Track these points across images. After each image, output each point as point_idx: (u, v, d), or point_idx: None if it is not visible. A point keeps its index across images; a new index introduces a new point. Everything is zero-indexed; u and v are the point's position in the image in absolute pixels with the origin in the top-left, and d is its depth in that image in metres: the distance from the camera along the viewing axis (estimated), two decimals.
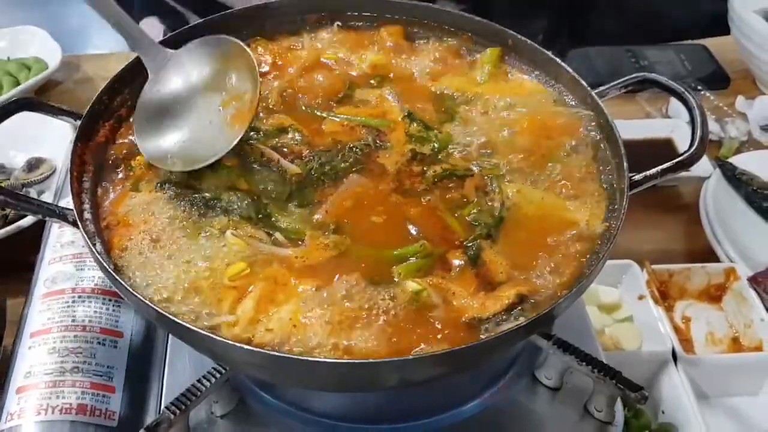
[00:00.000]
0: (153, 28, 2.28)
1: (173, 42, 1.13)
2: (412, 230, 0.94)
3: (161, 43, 1.13)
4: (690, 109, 1.00)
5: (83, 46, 4.24)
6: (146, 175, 0.98)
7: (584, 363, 0.94)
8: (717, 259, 1.43)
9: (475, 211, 0.96)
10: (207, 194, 0.95)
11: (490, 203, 0.97)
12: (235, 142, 0.97)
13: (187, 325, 0.77)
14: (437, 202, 0.97)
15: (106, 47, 4.05)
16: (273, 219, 0.93)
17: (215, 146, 0.97)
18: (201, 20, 1.18)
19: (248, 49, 1.02)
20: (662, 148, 1.64)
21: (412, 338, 0.83)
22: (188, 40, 1.14)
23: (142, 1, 2.33)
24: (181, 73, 1.04)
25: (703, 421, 1.17)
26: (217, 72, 1.03)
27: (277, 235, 0.91)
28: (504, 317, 0.85)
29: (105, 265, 0.82)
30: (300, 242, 0.91)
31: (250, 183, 0.97)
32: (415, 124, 1.06)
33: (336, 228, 0.93)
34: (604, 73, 1.89)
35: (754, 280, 1.34)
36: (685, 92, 1.02)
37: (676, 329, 1.30)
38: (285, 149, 1.03)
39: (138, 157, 0.99)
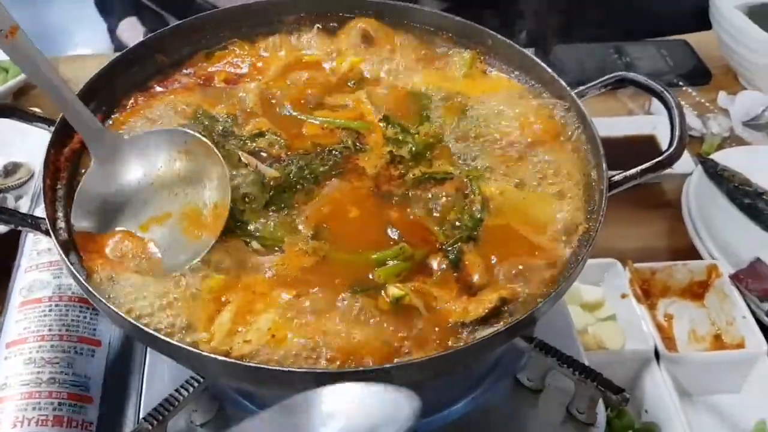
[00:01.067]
0: (133, 29, 2.27)
1: (154, 43, 1.13)
2: (393, 234, 0.93)
3: (141, 44, 1.12)
4: (669, 108, 1.00)
5: (65, 45, 4.20)
6: None
7: (565, 365, 0.94)
8: (700, 256, 1.43)
9: (455, 214, 0.96)
10: None
11: (469, 205, 0.97)
12: (203, 255, 0.87)
13: (163, 338, 0.76)
14: (417, 208, 0.97)
15: (88, 46, 4.04)
16: (250, 227, 0.92)
17: (177, 256, 0.87)
18: (180, 22, 1.17)
19: (216, 151, 0.92)
20: (645, 146, 1.64)
21: (394, 344, 0.82)
22: (168, 41, 1.14)
23: (123, 2, 2.32)
24: (138, 167, 0.94)
25: (686, 420, 1.17)
26: (182, 172, 0.93)
27: (254, 243, 0.90)
28: (487, 321, 0.84)
29: (78, 276, 0.80)
30: (278, 249, 0.90)
31: None
32: (391, 127, 1.05)
33: (315, 234, 0.92)
34: (586, 69, 1.90)
35: (736, 278, 1.34)
36: (664, 91, 1.02)
37: (659, 327, 1.30)
38: (263, 153, 1.02)
39: None
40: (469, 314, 0.85)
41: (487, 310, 0.85)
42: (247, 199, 0.94)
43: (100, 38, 2.37)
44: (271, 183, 0.97)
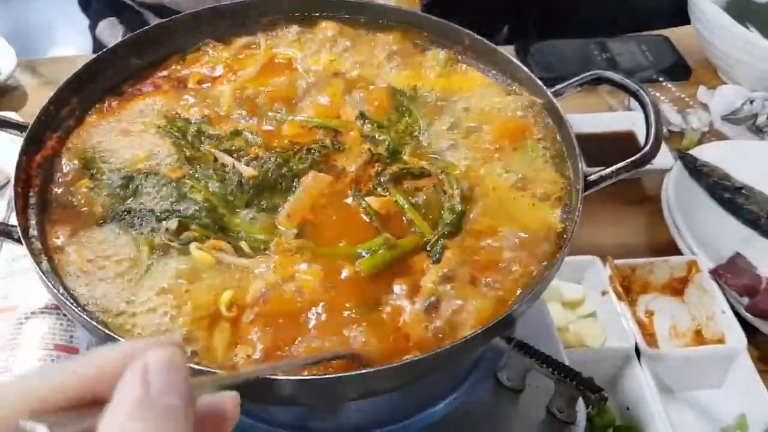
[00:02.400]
0: (113, 29, 2.25)
1: (128, 46, 1.12)
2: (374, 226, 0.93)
3: (115, 47, 1.11)
4: (644, 107, 1.00)
5: (46, 45, 4.17)
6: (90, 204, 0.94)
7: (544, 365, 0.95)
8: (680, 252, 1.44)
9: (435, 211, 0.95)
10: (157, 210, 0.91)
11: (449, 199, 0.96)
12: None
13: None
14: (396, 198, 0.96)
15: (69, 45, 4.00)
16: (232, 229, 0.91)
17: None
18: (153, 24, 1.17)
19: None
20: (624, 142, 1.64)
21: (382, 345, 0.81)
22: (143, 43, 1.13)
23: (102, 0, 2.29)
24: None
25: (667, 416, 1.17)
26: None
27: (242, 244, 0.89)
28: None
29: (49, 284, 0.79)
30: (264, 250, 0.89)
31: (204, 192, 0.94)
32: (367, 124, 1.05)
33: (298, 232, 0.91)
34: (567, 66, 1.90)
35: (715, 273, 1.35)
36: (639, 90, 1.02)
37: (640, 324, 1.30)
38: (242, 152, 1.01)
39: (81, 182, 0.95)
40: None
41: None
42: (229, 201, 0.94)
43: (83, 37, 2.35)
44: (250, 183, 0.96)
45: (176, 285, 0.84)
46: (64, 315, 1.05)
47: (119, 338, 0.76)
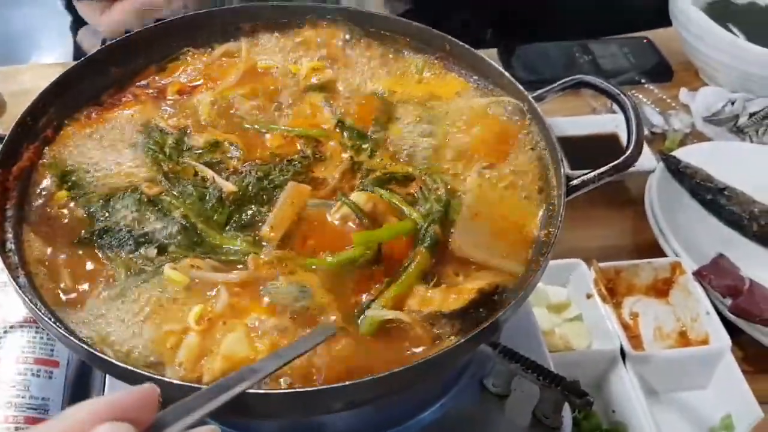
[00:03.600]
0: (93, 34, 2.23)
1: (105, 55, 1.11)
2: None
3: (97, 54, 1.10)
4: (625, 111, 1.00)
5: (30, 51, 4.14)
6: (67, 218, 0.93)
7: (529, 371, 0.95)
8: (664, 253, 1.44)
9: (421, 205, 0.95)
10: (135, 232, 0.90)
11: (434, 192, 0.96)
12: None
13: (123, 365, 0.74)
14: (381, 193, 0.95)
15: (52, 51, 3.97)
16: (211, 245, 0.90)
17: None
18: (139, 29, 1.15)
19: None
20: (608, 144, 1.64)
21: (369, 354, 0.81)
22: (121, 52, 1.12)
23: None
24: None
25: (653, 418, 1.18)
26: None
27: (213, 262, 0.87)
28: (466, 313, 0.84)
29: (27, 300, 0.78)
30: (241, 265, 0.88)
31: (182, 207, 0.93)
32: (347, 133, 1.04)
33: (281, 243, 0.90)
34: (550, 68, 1.91)
35: (699, 274, 1.35)
36: (620, 94, 1.02)
37: (625, 326, 1.31)
38: (222, 164, 1.00)
39: (58, 194, 0.94)
40: (449, 305, 0.84)
41: (467, 302, 0.84)
42: (209, 217, 0.93)
43: (67, 43, 2.33)
44: (230, 197, 0.95)
45: (150, 302, 0.83)
46: (44, 328, 1.04)
47: (98, 354, 0.75)
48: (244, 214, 0.93)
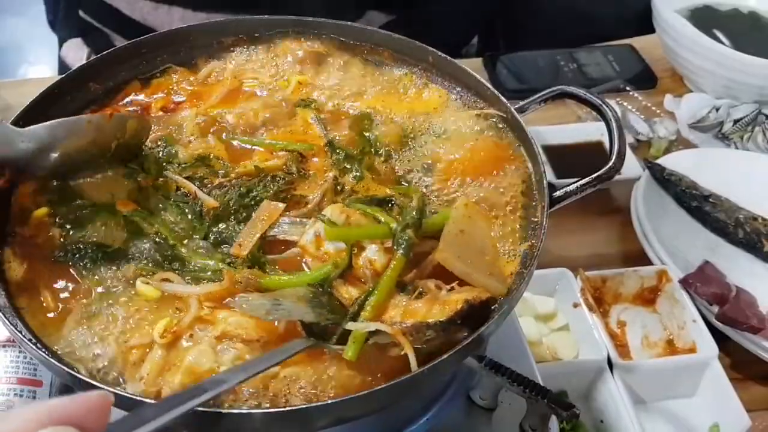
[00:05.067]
0: (78, 50, 2.23)
1: (86, 72, 1.10)
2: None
3: (79, 70, 1.09)
4: (607, 122, 1.01)
5: (16, 63, 4.12)
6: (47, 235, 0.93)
7: (516, 383, 0.94)
8: (650, 261, 1.44)
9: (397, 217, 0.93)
10: (108, 246, 0.90)
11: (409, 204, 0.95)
12: None
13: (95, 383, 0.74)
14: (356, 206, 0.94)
15: (40, 64, 3.96)
16: (182, 260, 0.90)
17: None
18: (125, 43, 1.15)
19: None
20: (593, 153, 1.65)
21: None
22: (102, 69, 1.11)
23: (66, 21, 2.27)
24: None
25: (641, 427, 1.17)
26: None
27: (180, 279, 0.87)
28: (451, 324, 0.82)
29: (7, 321, 0.78)
30: (213, 282, 0.87)
31: (157, 226, 0.93)
32: (335, 154, 1.04)
33: (252, 261, 0.89)
34: (535, 77, 1.92)
35: (685, 282, 1.35)
36: (602, 105, 1.02)
37: (612, 335, 1.31)
38: (206, 179, 1.00)
39: (36, 212, 0.93)
40: (434, 316, 0.82)
41: (452, 313, 0.82)
42: (186, 233, 0.92)
43: (53, 55, 2.32)
44: (210, 213, 0.94)
45: (121, 316, 0.83)
46: None
47: (78, 375, 0.74)
48: (221, 230, 0.93)
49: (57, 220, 0.93)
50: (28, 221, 0.93)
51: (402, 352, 0.80)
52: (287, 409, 0.76)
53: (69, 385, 0.99)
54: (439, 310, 0.83)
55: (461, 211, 0.92)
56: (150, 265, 0.88)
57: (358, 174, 1.01)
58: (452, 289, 0.85)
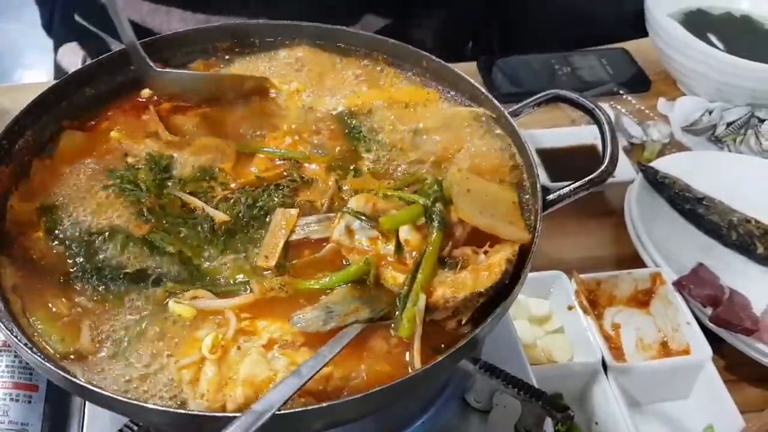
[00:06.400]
0: (74, 54, 2.23)
1: (81, 77, 1.10)
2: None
3: (74, 75, 1.09)
4: (599, 125, 1.02)
5: (12, 68, 4.12)
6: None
7: (510, 385, 0.95)
8: (644, 264, 1.45)
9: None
10: (128, 269, 0.89)
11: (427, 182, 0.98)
12: None
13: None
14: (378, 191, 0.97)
15: (36, 68, 3.96)
16: (209, 276, 0.90)
17: None
18: (109, 53, 1.15)
19: None
20: (587, 156, 1.66)
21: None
22: (108, 68, 1.12)
23: (62, 25, 2.27)
24: None
25: (635, 429, 1.18)
26: None
27: (211, 294, 0.87)
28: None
29: (3, 326, 0.78)
30: (244, 292, 0.88)
31: (174, 243, 0.92)
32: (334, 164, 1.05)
33: (277, 268, 0.91)
34: (529, 80, 1.93)
35: (679, 284, 1.36)
36: (595, 109, 1.03)
37: (607, 337, 1.31)
38: (209, 193, 0.99)
39: (34, 234, 0.93)
40: (483, 283, 0.85)
41: (500, 275, 0.85)
42: (202, 250, 0.93)
43: (50, 59, 2.32)
44: (222, 227, 0.95)
45: (158, 339, 0.84)
46: None
47: (76, 380, 0.75)
48: (237, 243, 0.94)
49: (60, 236, 0.93)
50: (27, 231, 0.93)
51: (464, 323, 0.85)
52: (282, 412, 0.76)
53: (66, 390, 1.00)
54: (486, 276, 0.86)
55: (457, 176, 0.96)
56: (176, 283, 0.88)
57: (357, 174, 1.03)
58: (486, 252, 0.89)
